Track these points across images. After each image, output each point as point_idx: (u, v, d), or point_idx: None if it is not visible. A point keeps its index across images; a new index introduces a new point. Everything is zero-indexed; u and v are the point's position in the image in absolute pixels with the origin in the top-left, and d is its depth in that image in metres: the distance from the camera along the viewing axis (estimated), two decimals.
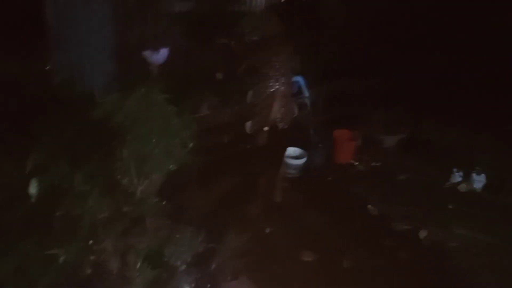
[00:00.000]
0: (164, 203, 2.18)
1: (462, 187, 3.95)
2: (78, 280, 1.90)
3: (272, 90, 2.93)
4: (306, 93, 4.08)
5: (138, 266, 1.99)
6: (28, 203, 1.85)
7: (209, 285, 2.34)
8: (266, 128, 3.05)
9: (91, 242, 1.90)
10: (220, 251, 2.44)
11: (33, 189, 1.96)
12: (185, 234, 2.21)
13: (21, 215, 1.89)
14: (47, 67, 2.65)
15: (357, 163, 4.26)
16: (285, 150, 3.41)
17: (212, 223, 2.66)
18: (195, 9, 3.80)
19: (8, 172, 1.92)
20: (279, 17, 2.84)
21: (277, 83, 2.91)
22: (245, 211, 3.21)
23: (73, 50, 3.13)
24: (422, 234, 3.26)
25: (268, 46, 2.92)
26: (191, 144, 2.18)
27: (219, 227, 2.58)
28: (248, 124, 3.11)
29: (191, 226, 2.27)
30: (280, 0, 4.79)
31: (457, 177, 4.01)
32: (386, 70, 4.63)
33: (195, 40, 3.68)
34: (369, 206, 3.57)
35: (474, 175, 3.93)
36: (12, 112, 2.14)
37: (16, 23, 2.72)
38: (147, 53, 3.20)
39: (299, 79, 4.06)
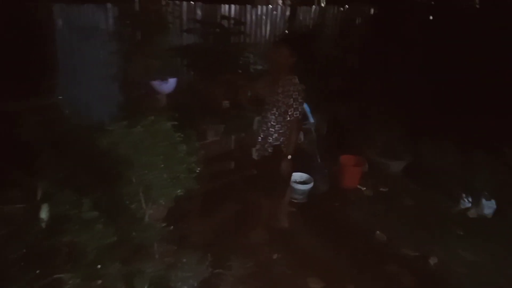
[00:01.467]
0: (171, 228, 2.21)
1: (472, 213, 3.90)
2: None
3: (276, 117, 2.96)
4: (311, 119, 4.13)
5: None
6: (36, 230, 1.89)
7: None
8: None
9: (99, 266, 1.93)
10: (226, 277, 2.44)
11: (43, 214, 2.01)
12: (192, 260, 2.22)
13: (28, 243, 1.91)
14: (59, 97, 2.75)
15: (364, 189, 4.25)
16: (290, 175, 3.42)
17: (218, 249, 2.67)
18: (201, 41, 3.96)
19: (17, 199, 1.97)
20: (282, 47, 2.92)
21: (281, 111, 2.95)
22: (252, 237, 3.21)
23: (82, 81, 3.25)
24: (433, 260, 3.20)
25: (272, 75, 2.98)
26: (197, 170, 2.23)
27: (225, 253, 2.58)
28: (254, 150, 3.15)
29: (197, 251, 2.29)
30: (284, 31, 5.01)
31: (466, 202, 3.97)
32: (391, 94, 4.70)
33: (202, 70, 3.80)
34: (377, 232, 3.53)
35: (483, 201, 3.87)
36: (22, 142, 2.21)
37: (24, 58, 2.80)
38: (155, 83, 3.34)
39: (304, 105, 4.14)
